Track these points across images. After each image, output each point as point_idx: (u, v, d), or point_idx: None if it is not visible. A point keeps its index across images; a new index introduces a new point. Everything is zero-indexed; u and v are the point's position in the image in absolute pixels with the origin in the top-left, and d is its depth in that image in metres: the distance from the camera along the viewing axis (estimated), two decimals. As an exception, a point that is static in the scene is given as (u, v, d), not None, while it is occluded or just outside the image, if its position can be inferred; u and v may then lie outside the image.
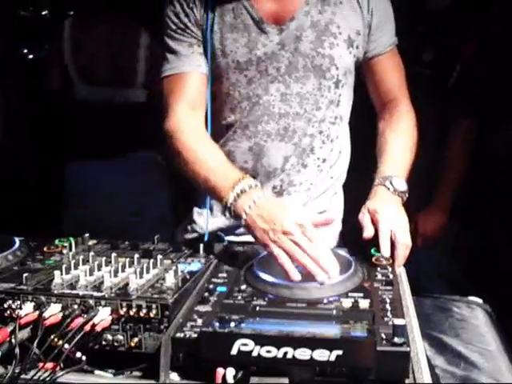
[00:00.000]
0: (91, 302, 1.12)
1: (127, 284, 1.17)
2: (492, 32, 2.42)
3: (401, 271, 1.40)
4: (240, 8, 1.61)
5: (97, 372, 1.10)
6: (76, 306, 1.13)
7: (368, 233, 1.44)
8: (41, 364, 1.05)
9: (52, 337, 1.08)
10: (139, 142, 2.70)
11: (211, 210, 1.76)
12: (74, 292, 1.15)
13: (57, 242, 1.49)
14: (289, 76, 1.63)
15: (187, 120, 1.62)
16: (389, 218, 1.46)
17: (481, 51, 2.44)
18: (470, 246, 2.50)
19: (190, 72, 1.64)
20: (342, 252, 1.40)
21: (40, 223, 2.54)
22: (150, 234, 1.50)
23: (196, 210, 1.81)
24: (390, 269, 1.35)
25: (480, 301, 1.57)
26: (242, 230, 1.71)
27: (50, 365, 1.05)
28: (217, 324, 1.05)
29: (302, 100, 1.65)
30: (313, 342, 0.98)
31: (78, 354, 1.10)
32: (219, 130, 1.71)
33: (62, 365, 1.06)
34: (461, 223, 2.56)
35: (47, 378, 1.04)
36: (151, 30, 2.70)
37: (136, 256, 1.32)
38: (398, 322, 1.01)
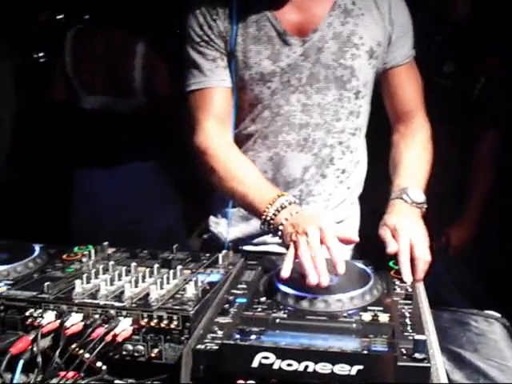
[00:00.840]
0: (112, 312, 1.13)
1: (148, 294, 1.17)
2: None
3: (419, 285, 1.39)
4: (263, 20, 1.61)
5: (117, 382, 1.11)
6: (97, 316, 1.14)
7: (391, 248, 1.43)
8: (62, 373, 1.05)
9: (73, 346, 1.09)
10: (142, 151, 2.71)
11: (228, 218, 1.77)
12: (95, 302, 1.16)
13: (76, 249, 1.50)
14: (310, 87, 1.64)
15: (218, 136, 1.64)
16: (408, 233, 1.45)
17: (505, 62, 2.44)
18: (490, 258, 2.50)
19: (215, 87, 1.65)
20: (361, 264, 1.41)
21: (44, 231, 2.57)
22: (159, 244, 1.51)
23: (212, 219, 1.82)
24: (408, 282, 1.35)
25: (498, 315, 1.56)
26: (259, 239, 1.72)
27: (71, 374, 1.06)
28: (238, 336, 1.05)
29: (323, 111, 1.66)
30: (334, 357, 0.98)
31: (99, 364, 1.11)
32: (239, 140, 1.72)
33: (82, 374, 1.07)
34: (482, 237, 2.55)
35: (68, 388, 1.05)
36: (148, 38, 2.71)
37: (156, 266, 1.32)
38: (419, 337, 1.01)
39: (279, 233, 1.42)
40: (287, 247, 1.37)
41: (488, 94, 2.47)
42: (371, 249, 1.53)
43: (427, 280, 1.42)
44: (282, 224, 1.41)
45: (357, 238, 1.41)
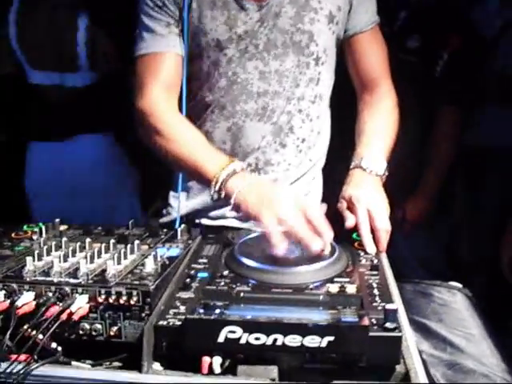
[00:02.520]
0: (67, 289, 1.06)
1: (104, 270, 1.11)
2: (479, 21, 2.42)
3: (382, 256, 1.37)
4: None
5: (74, 363, 1.04)
6: (51, 294, 1.06)
7: (349, 222, 1.40)
8: (13, 356, 0.98)
9: (25, 327, 1.02)
10: (94, 124, 2.62)
11: (188, 191, 1.72)
12: (48, 279, 1.09)
13: (25, 227, 1.42)
14: (267, 53, 1.59)
15: (164, 102, 1.57)
16: (365, 204, 1.42)
17: (469, 40, 2.43)
18: (449, 232, 2.51)
19: (165, 53, 1.58)
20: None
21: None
22: (115, 221, 1.45)
23: (172, 193, 1.76)
24: (372, 254, 1.33)
25: (460, 286, 1.56)
26: (218, 213, 1.67)
27: (23, 357, 0.99)
28: (201, 311, 1.00)
29: (281, 78, 1.61)
30: (303, 329, 0.94)
31: (54, 345, 1.04)
32: (197, 111, 1.66)
33: (36, 357, 1.00)
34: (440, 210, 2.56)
35: (20, 371, 0.97)
36: (90, 12, 2.62)
37: (112, 241, 1.26)
38: (390, 306, 0.98)
39: (232, 201, 1.35)
40: (256, 219, 1.30)
41: (450, 70, 2.46)
42: (334, 223, 1.50)
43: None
44: (235, 192, 1.34)
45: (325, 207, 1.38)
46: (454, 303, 1.46)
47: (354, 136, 1.68)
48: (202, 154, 1.45)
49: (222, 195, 1.37)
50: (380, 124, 1.67)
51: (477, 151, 2.48)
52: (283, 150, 1.68)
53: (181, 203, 1.70)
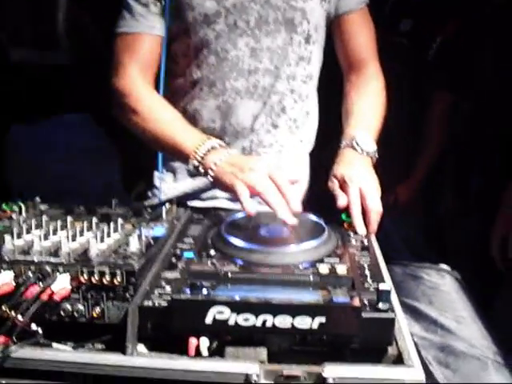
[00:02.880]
0: (48, 268, 1.01)
1: (87, 249, 1.07)
2: (476, 6, 2.39)
3: (372, 238, 1.34)
4: None
5: (55, 345, 1.00)
6: (31, 274, 1.02)
7: (341, 202, 1.37)
8: (-9, 338, 0.94)
9: (4, 308, 0.97)
10: (74, 103, 2.57)
11: (174, 174, 1.68)
12: (28, 258, 1.04)
13: (4, 206, 1.37)
14: (259, 30, 1.55)
15: (141, 81, 1.55)
16: (357, 184, 1.39)
17: (463, 24, 2.40)
18: (438, 217, 2.50)
19: (144, 34, 1.55)
20: (314, 217, 1.34)
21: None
22: (96, 202, 1.41)
23: (157, 174, 1.71)
24: (362, 235, 1.30)
25: (449, 268, 1.54)
26: (208, 194, 1.64)
27: (1, 339, 0.95)
28: (188, 291, 0.97)
29: (273, 55, 1.57)
30: (294, 309, 0.91)
31: (34, 327, 1.00)
32: (185, 88, 1.63)
33: (15, 339, 0.96)
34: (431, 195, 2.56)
35: (-1, 354, 0.94)
36: None
37: (94, 220, 1.22)
38: (383, 286, 0.94)
39: (210, 175, 1.36)
40: (230, 189, 1.32)
41: (443, 54, 2.43)
42: (322, 206, 1.47)
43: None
44: (213, 166, 1.35)
45: (297, 181, 1.38)
46: (443, 285, 1.45)
47: (341, 117, 1.65)
48: (180, 132, 1.45)
49: (201, 170, 1.38)
50: (368, 105, 1.64)
51: (467, 136, 2.46)
52: (275, 131, 1.65)
53: (168, 185, 1.68)
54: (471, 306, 1.37)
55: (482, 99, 2.34)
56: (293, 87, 1.63)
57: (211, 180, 1.36)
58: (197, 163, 1.37)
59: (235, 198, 1.30)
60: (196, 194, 1.67)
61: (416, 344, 1.12)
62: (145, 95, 1.53)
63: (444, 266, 1.54)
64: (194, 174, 1.42)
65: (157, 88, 1.58)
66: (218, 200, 1.65)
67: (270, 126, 1.63)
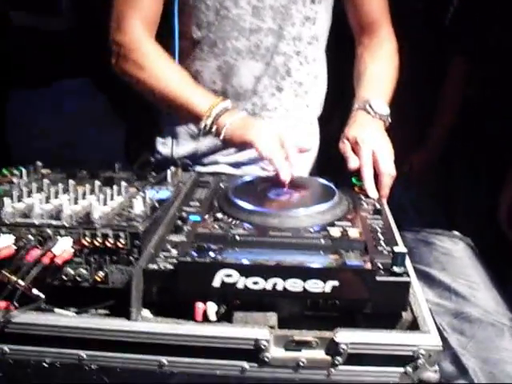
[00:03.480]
0: (49, 231, 0.98)
1: (89, 212, 1.03)
2: None
3: (383, 202, 1.30)
4: None
5: (57, 310, 0.97)
6: (31, 237, 0.98)
7: (352, 164, 1.33)
8: (-9, 303, 0.91)
9: (4, 272, 0.94)
10: (75, 68, 2.51)
11: (176, 138, 1.64)
12: (28, 221, 1.00)
13: (4, 171, 1.33)
14: None
15: (146, 36, 1.48)
16: (370, 146, 1.35)
17: None
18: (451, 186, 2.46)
19: None
20: (324, 181, 1.29)
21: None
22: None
23: (159, 139, 1.68)
24: (374, 198, 1.26)
25: (461, 235, 1.50)
26: (210, 159, 1.60)
27: (2, 304, 0.91)
28: (195, 254, 0.93)
29: (276, 14, 1.52)
30: (306, 272, 0.87)
31: (36, 292, 0.96)
32: (185, 48, 1.56)
33: (16, 304, 0.92)
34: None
35: (0, 319, 0.91)
36: None
37: (97, 183, 1.18)
38: (398, 249, 0.91)
39: (222, 135, 1.36)
40: (237, 146, 1.37)
41: (461, 18, 2.36)
42: (332, 171, 1.43)
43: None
44: (225, 127, 1.34)
45: (309, 146, 1.37)
46: (456, 252, 1.41)
47: (353, 80, 1.61)
48: (192, 92, 1.41)
49: (213, 130, 1.36)
50: (381, 68, 1.60)
51: (479, 101, 2.39)
52: (280, 95, 1.60)
53: (170, 150, 1.63)
54: (485, 273, 1.34)
55: (498, 64, 2.27)
56: (298, 49, 1.58)
57: (223, 140, 1.37)
58: (209, 123, 1.36)
59: (247, 148, 1.33)
60: (197, 159, 1.63)
61: (430, 310, 1.09)
62: (152, 51, 1.47)
63: (456, 233, 1.50)
64: (198, 135, 1.43)
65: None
66: (219, 165, 1.62)
67: (275, 88, 1.59)
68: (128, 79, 1.48)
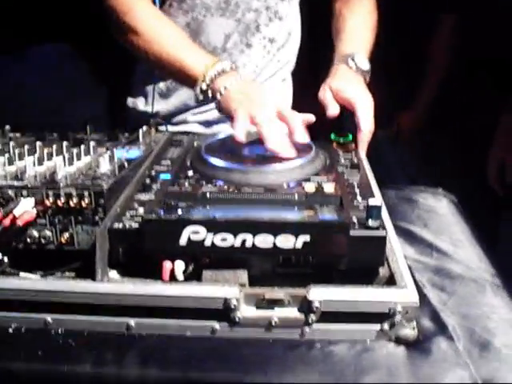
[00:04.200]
0: (10, 192, 0.94)
1: (54, 172, 0.99)
2: None
3: (362, 157, 1.26)
4: None
5: (22, 274, 0.94)
6: (-8, 199, 0.94)
7: (333, 110, 1.29)
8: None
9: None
10: (55, 32, 2.42)
11: (145, 98, 1.61)
12: (-12, 183, 0.97)
13: (-32, 134, 1.28)
14: None
15: None
16: (352, 96, 1.32)
17: None
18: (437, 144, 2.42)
19: None
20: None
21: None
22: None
23: (129, 99, 1.64)
24: (353, 153, 1.22)
25: (445, 192, 1.47)
26: (179, 118, 1.59)
27: (-37, 268, 0.88)
28: (162, 211, 0.89)
29: None
30: (275, 227, 0.84)
31: (-1, 256, 0.93)
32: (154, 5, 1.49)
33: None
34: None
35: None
36: None
37: (65, 144, 1.13)
38: (373, 201, 0.87)
39: (217, 98, 1.27)
40: (227, 113, 1.25)
41: None
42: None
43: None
44: (222, 90, 1.25)
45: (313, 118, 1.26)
46: (439, 209, 1.38)
47: (332, 35, 1.57)
48: (187, 53, 1.33)
49: (209, 94, 1.28)
50: (362, 23, 1.56)
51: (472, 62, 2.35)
52: (249, 51, 1.56)
53: (139, 109, 1.60)
54: (469, 230, 1.30)
55: (487, 20, 2.22)
56: (268, 4, 1.53)
57: (217, 105, 1.29)
58: (205, 87, 1.27)
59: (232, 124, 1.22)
60: (167, 118, 1.58)
61: (410, 267, 1.06)
62: (145, 12, 1.40)
63: (440, 190, 1.46)
64: (200, 98, 1.31)
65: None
66: (189, 124, 1.59)
67: (244, 45, 1.54)
68: (124, 44, 1.41)
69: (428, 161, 2.42)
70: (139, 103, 1.60)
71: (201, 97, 1.29)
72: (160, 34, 1.37)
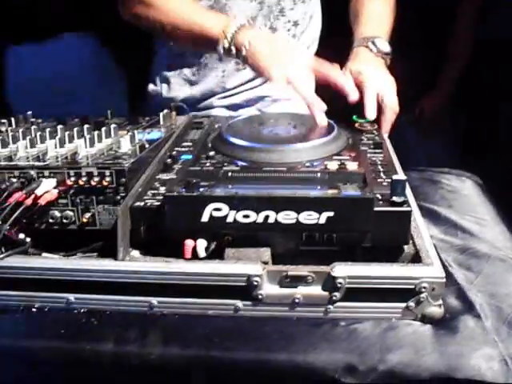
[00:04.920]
0: (32, 173, 0.94)
1: (75, 153, 0.99)
2: None
3: (386, 138, 1.25)
4: None
5: (45, 255, 0.94)
6: (14, 180, 0.94)
7: (353, 96, 1.27)
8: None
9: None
10: (74, 20, 2.43)
11: (168, 84, 1.59)
12: (11, 163, 0.97)
13: (-9, 119, 1.28)
14: None
15: None
16: (375, 79, 1.30)
17: None
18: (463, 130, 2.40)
19: None
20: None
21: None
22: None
23: (151, 86, 1.63)
24: (376, 133, 1.20)
25: (469, 174, 1.45)
26: (205, 103, 1.56)
27: (-14, 248, 0.88)
28: (183, 189, 0.88)
29: None
30: (299, 203, 0.83)
31: (21, 236, 0.93)
32: None
33: (2, 249, 0.89)
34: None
35: (-15, 263, 0.87)
36: None
37: (86, 127, 1.13)
38: (397, 177, 0.85)
39: (243, 54, 1.25)
40: (258, 71, 1.25)
41: None
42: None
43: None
44: (247, 44, 1.24)
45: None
46: (463, 190, 1.36)
47: (349, 19, 1.56)
48: (204, 16, 1.33)
49: (233, 51, 1.26)
50: (381, 7, 1.54)
51: (492, 44, 2.32)
52: None
53: (162, 96, 1.59)
54: (493, 210, 1.28)
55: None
56: None
57: (244, 60, 1.27)
58: (227, 44, 1.26)
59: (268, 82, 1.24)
60: (192, 104, 1.56)
61: (435, 246, 1.04)
62: None
63: (464, 172, 1.44)
64: (224, 58, 1.31)
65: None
66: (215, 109, 1.57)
67: (269, 29, 1.52)
68: (137, 21, 1.42)
69: (452, 145, 2.39)
70: (163, 90, 1.59)
71: (224, 56, 1.29)
72: (174, 4, 1.37)
